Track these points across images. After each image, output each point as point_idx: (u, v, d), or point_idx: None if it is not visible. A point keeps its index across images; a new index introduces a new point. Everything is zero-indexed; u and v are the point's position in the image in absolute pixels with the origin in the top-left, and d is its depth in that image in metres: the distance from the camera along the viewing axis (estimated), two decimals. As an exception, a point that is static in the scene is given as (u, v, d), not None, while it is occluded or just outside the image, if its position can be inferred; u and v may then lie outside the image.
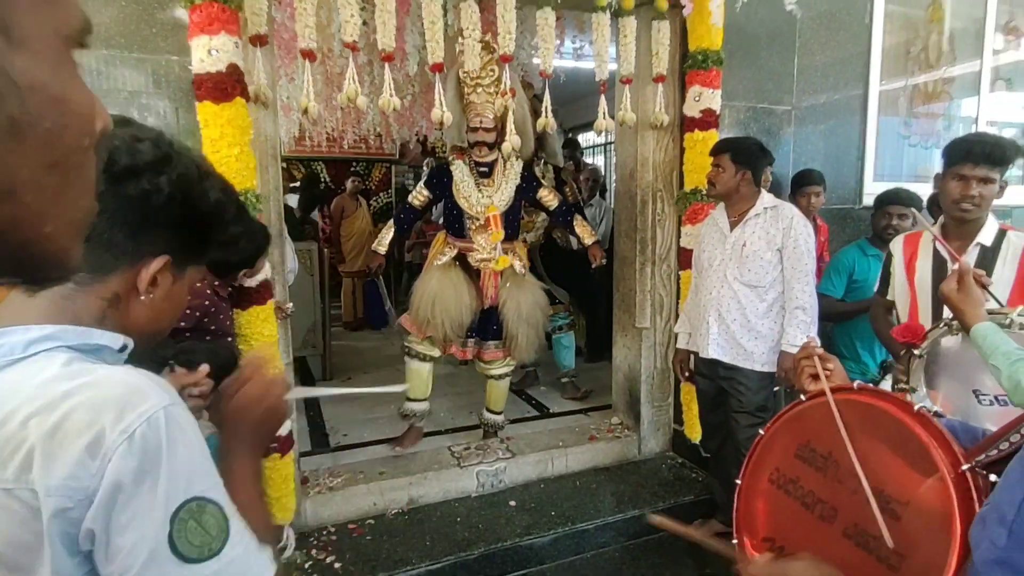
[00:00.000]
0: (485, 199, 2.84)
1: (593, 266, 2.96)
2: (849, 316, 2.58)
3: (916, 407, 0.86)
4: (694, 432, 2.87)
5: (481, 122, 2.74)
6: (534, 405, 3.87)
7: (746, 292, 2.30)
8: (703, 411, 2.58)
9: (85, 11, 0.34)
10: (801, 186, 2.97)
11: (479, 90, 2.72)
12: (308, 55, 2.13)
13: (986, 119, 3.90)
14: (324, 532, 2.46)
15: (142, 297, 0.65)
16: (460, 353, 3.00)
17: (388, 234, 3.04)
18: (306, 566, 2.26)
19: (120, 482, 0.52)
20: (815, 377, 1.02)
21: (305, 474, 2.64)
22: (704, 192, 2.75)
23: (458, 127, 2.89)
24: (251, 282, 2.04)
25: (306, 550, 2.34)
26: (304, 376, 4.24)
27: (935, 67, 3.68)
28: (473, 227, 2.86)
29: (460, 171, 2.88)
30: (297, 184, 6.70)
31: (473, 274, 2.89)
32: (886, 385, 2.29)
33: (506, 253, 2.87)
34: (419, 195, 3.02)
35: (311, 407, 3.73)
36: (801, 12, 2.93)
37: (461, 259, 2.90)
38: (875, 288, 2.14)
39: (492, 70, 2.70)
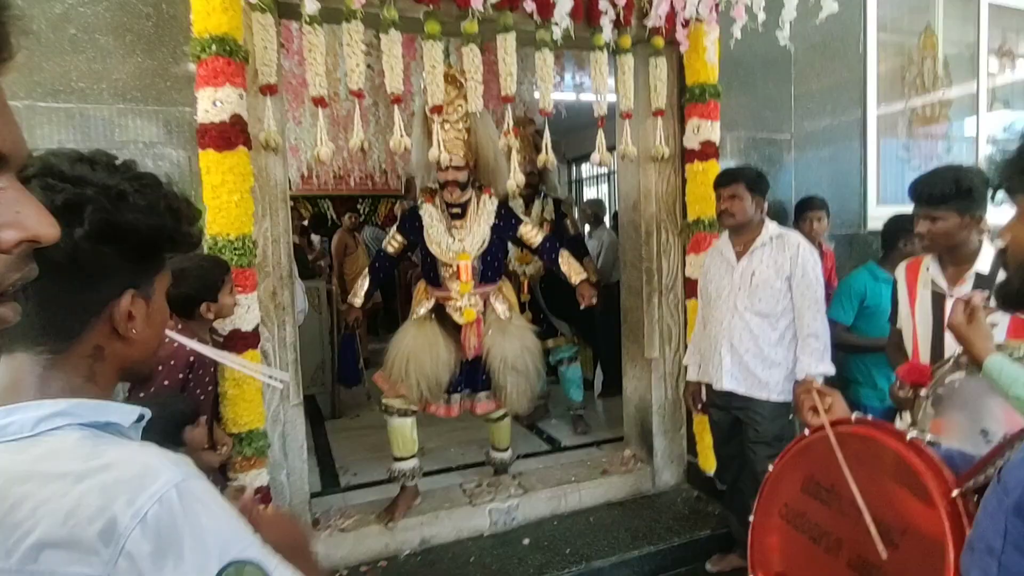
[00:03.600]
0: (456, 244, 2.65)
1: (582, 306, 2.78)
2: (861, 351, 2.56)
3: (908, 436, 0.90)
4: (708, 463, 2.83)
5: (451, 160, 2.54)
6: (545, 439, 3.83)
7: (758, 322, 2.30)
8: (717, 443, 2.55)
9: None
10: (804, 211, 2.99)
11: (447, 126, 2.52)
12: (320, 102, 2.19)
13: (987, 137, 3.94)
14: (336, 574, 2.43)
15: (126, 332, 0.63)
16: (444, 411, 2.77)
17: (364, 284, 2.86)
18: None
19: (139, 569, 0.49)
20: (816, 411, 1.06)
21: (316, 515, 2.61)
22: (707, 222, 2.78)
23: (426, 167, 2.73)
24: (224, 325, 2.03)
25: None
26: (313, 414, 4.22)
27: (931, 91, 3.73)
28: (447, 275, 2.68)
29: (429, 215, 2.70)
30: (305, 223, 6.80)
31: (451, 325, 2.71)
32: (901, 422, 2.26)
33: (484, 300, 2.69)
34: (393, 241, 2.86)
35: (321, 447, 3.71)
36: (795, 44, 3.00)
37: (440, 309, 2.73)
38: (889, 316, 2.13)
39: (460, 106, 2.53)
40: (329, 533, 2.53)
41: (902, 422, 2.25)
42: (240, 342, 2.07)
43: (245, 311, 2.06)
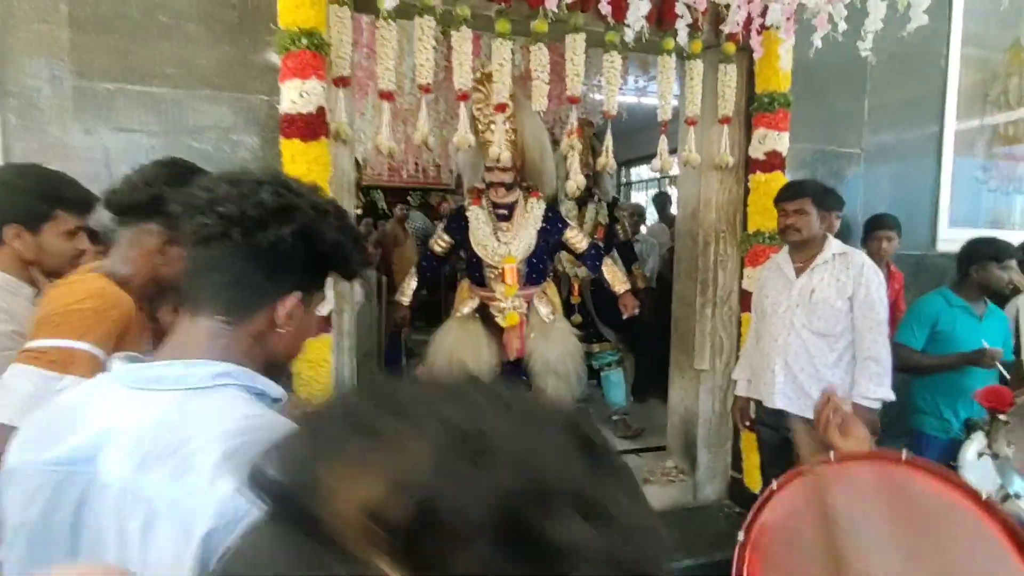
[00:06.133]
0: (502, 247, 2.64)
1: (624, 316, 2.76)
2: (929, 371, 2.46)
3: (984, 495, 0.75)
4: (754, 482, 2.77)
5: (496, 161, 2.53)
6: (584, 442, 3.81)
7: (815, 341, 2.23)
8: (765, 462, 2.49)
9: None
10: (873, 230, 2.88)
11: (493, 127, 2.51)
12: (387, 96, 2.23)
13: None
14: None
15: (280, 330, 0.73)
16: None
17: (411, 283, 2.87)
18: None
19: None
20: (847, 433, 0.94)
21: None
22: (768, 234, 2.71)
23: (474, 166, 2.74)
24: (322, 311, 2.11)
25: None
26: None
27: (1016, 109, 3.54)
28: (492, 276, 2.68)
29: (476, 217, 2.70)
30: (359, 212, 6.94)
31: (494, 326, 2.70)
32: (972, 447, 2.16)
33: (527, 302, 2.67)
34: (440, 241, 2.87)
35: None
36: (873, 55, 2.89)
37: (483, 309, 2.73)
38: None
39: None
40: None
41: (971, 445, 2.15)
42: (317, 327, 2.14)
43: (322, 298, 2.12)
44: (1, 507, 0.66)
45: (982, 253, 2.43)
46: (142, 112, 2.10)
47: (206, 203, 0.68)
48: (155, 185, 1.12)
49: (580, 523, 0.24)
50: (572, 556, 0.23)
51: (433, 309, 6.44)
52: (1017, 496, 1.26)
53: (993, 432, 1.53)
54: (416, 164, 6.27)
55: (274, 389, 0.73)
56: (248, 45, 2.17)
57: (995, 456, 1.53)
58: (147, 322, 1.19)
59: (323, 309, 2.13)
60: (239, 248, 0.68)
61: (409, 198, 7.93)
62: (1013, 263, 2.33)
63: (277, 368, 0.77)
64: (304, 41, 1.93)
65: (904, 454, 0.85)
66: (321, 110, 2.01)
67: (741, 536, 0.79)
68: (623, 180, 9.54)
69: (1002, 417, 1.52)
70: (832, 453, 0.88)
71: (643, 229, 5.27)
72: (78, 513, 0.63)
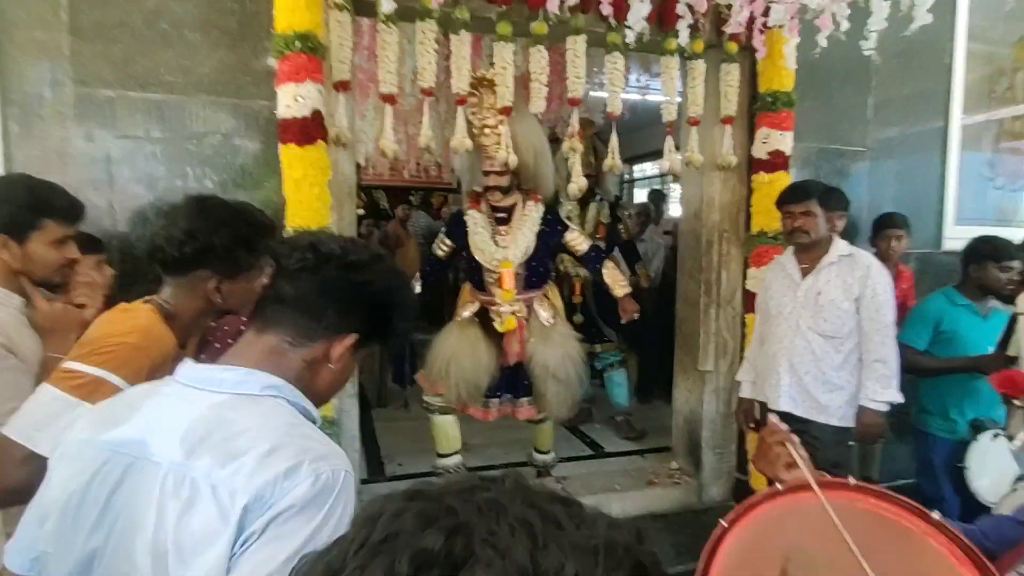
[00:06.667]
0: (500, 251, 2.62)
1: (623, 320, 2.74)
2: (934, 374, 2.44)
3: (934, 515, 0.75)
4: (760, 483, 2.75)
5: (492, 165, 2.54)
6: (588, 443, 3.81)
7: (821, 343, 2.22)
8: (770, 463, 2.48)
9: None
10: (883, 229, 2.86)
11: (486, 131, 2.52)
12: (388, 99, 2.23)
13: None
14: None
15: (331, 365, 0.80)
16: (481, 415, 2.76)
17: (416, 288, 2.88)
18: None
19: (294, 504, 0.64)
20: (791, 465, 0.90)
21: (363, 503, 2.67)
22: (771, 234, 2.69)
23: (471, 170, 2.73)
24: None
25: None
26: (361, 401, 4.31)
27: (1023, 103, 3.50)
28: (491, 280, 2.66)
29: (474, 221, 2.69)
30: (362, 212, 6.93)
31: (495, 330, 2.68)
32: (980, 446, 2.14)
33: (528, 306, 2.67)
34: (441, 245, 2.86)
35: (367, 436, 3.79)
36: (877, 52, 2.87)
37: (484, 313, 2.72)
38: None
39: (497, 110, 2.47)
40: (374, 522, 2.58)
41: (976, 449, 2.14)
42: None
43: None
44: (50, 484, 0.73)
45: (980, 252, 2.41)
46: (143, 118, 2.09)
47: (309, 244, 0.79)
48: (198, 237, 1.12)
49: None
50: None
51: (436, 312, 6.44)
52: None
53: (1010, 417, 1.53)
54: (418, 164, 6.27)
55: (315, 412, 0.80)
56: (248, 51, 2.17)
57: (1011, 439, 1.52)
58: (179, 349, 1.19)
59: None
60: (326, 282, 0.78)
61: (411, 198, 7.92)
62: (1015, 264, 2.29)
63: (314, 402, 0.83)
64: (299, 44, 1.93)
65: (851, 480, 0.83)
66: (318, 114, 2.00)
67: None
68: (626, 178, 9.50)
69: (1017, 403, 1.52)
70: (779, 485, 0.85)
71: (649, 229, 5.24)
72: (115, 491, 0.69)
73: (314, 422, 0.79)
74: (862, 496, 0.81)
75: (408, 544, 0.28)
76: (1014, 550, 0.80)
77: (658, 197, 6.43)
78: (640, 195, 9.07)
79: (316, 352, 0.79)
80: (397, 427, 3.95)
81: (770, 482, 0.92)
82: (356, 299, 0.80)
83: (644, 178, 9.34)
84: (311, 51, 2.00)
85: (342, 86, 2.17)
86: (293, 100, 2.01)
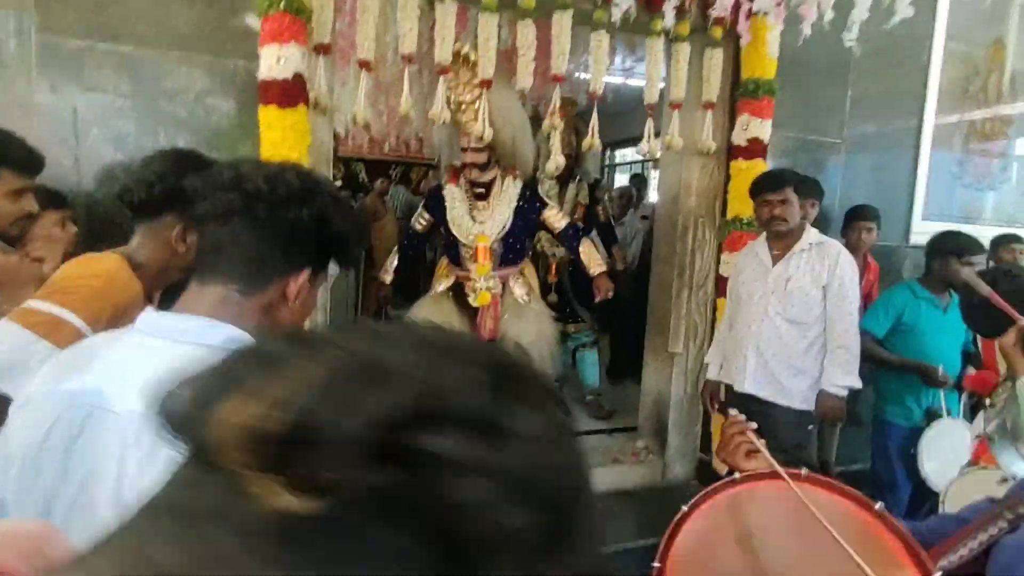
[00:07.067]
0: (477, 226, 2.63)
1: (597, 299, 2.76)
2: (885, 364, 2.52)
3: (877, 506, 0.80)
4: (721, 463, 2.83)
5: (469, 142, 2.54)
6: (558, 421, 3.85)
7: (788, 328, 2.27)
8: (733, 443, 2.54)
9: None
10: (854, 220, 2.92)
11: (463, 107, 2.51)
12: (365, 65, 2.18)
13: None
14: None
15: (289, 305, 0.78)
16: None
17: (393, 261, 2.88)
18: None
19: None
20: (750, 454, 0.94)
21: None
22: (745, 220, 2.73)
23: (450, 145, 2.73)
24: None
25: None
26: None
27: (994, 105, 3.59)
28: (467, 255, 2.68)
29: (451, 196, 2.69)
30: (339, 184, 6.82)
31: (469, 305, 2.68)
32: (932, 434, 2.24)
33: (503, 282, 2.67)
34: (420, 219, 2.86)
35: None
36: (858, 46, 2.90)
37: (459, 288, 2.72)
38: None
39: (475, 85, 2.47)
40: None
41: (928, 437, 2.24)
42: None
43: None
44: (8, 434, 0.70)
45: (943, 248, 2.49)
46: (112, 72, 2.02)
47: (231, 181, 0.73)
48: (167, 180, 1.11)
49: (465, 438, 0.23)
50: (451, 468, 0.22)
51: (412, 287, 6.42)
52: (1014, 478, 1.32)
53: (987, 415, 1.61)
54: (398, 138, 6.18)
55: None
56: (226, 7, 2.10)
57: (991, 439, 1.59)
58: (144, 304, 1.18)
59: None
60: (260, 223, 0.73)
61: (391, 172, 7.82)
62: (977, 259, 2.36)
63: None
64: (283, 4, 1.87)
65: (804, 471, 0.87)
66: (299, 76, 1.96)
67: (656, 564, 0.79)
68: (607, 162, 9.52)
69: (987, 401, 1.60)
70: (736, 474, 0.90)
71: (630, 212, 5.27)
72: (74, 441, 0.67)
73: None
74: (812, 486, 0.85)
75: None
76: (948, 540, 0.85)
77: (640, 182, 6.46)
78: (621, 180, 9.10)
79: (271, 296, 0.77)
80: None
81: (730, 471, 0.96)
82: (297, 235, 0.75)
83: (626, 163, 9.36)
84: (296, 12, 1.95)
85: (323, 49, 2.12)
86: (276, 61, 1.95)
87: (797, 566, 0.79)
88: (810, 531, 0.78)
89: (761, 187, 2.32)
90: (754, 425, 1.00)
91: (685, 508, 0.86)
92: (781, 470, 0.88)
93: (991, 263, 2.60)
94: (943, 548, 0.84)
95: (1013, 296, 1.48)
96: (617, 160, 9.46)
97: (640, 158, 8.33)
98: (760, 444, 0.95)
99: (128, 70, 2.04)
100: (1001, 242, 2.79)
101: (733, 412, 1.07)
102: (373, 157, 7.79)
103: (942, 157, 3.48)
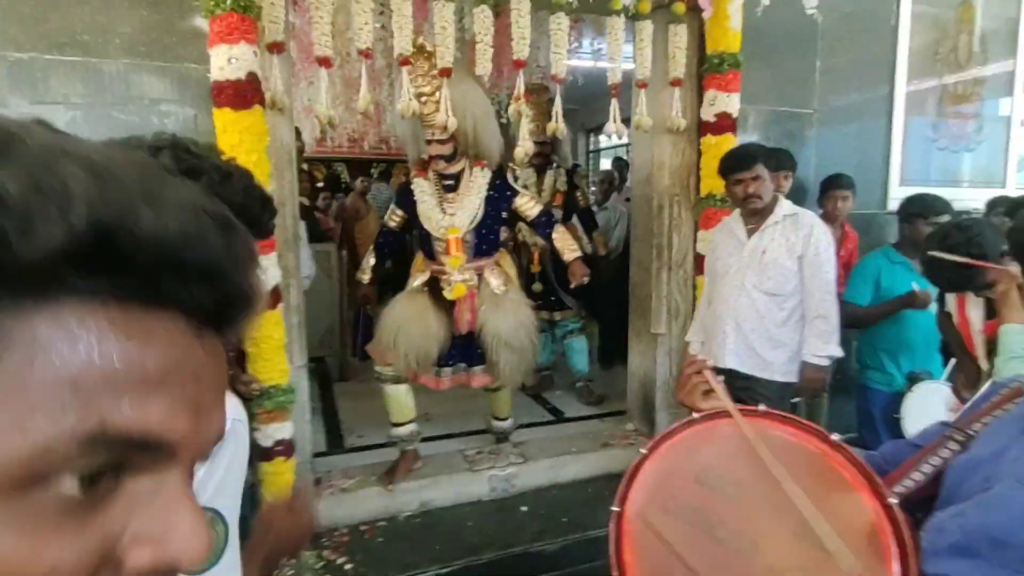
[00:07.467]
0: (447, 219, 2.61)
1: (572, 284, 2.73)
2: (875, 320, 2.52)
3: (833, 436, 0.81)
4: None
5: (433, 133, 2.50)
6: (549, 409, 3.85)
7: (765, 301, 2.27)
8: (718, 420, 2.54)
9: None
10: (829, 190, 2.92)
11: (424, 99, 2.46)
12: (324, 62, 2.16)
13: (1021, 119, 3.79)
14: (336, 533, 2.48)
15: None
16: (433, 383, 2.75)
17: (370, 260, 2.87)
18: (318, 567, 2.29)
19: None
20: (708, 394, 0.94)
21: (319, 475, 2.67)
22: (719, 196, 2.71)
23: (414, 139, 2.70)
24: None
25: (318, 551, 2.36)
26: (322, 377, 4.28)
27: (965, 68, 3.58)
28: (440, 248, 2.65)
29: (421, 189, 2.67)
30: (320, 184, 6.78)
31: (446, 298, 2.66)
32: (914, 397, 2.24)
33: (479, 274, 2.66)
34: (393, 216, 2.83)
35: (328, 409, 3.77)
36: (823, 15, 2.88)
37: (435, 282, 2.70)
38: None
39: (433, 77, 2.44)
40: (331, 492, 2.58)
41: (911, 400, 2.26)
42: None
43: (264, 273, 2.07)
44: None
45: (910, 210, 2.50)
46: (61, 83, 1.99)
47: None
48: None
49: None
50: None
51: (400, 284, 6.38)
52: None
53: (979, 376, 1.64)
54: (378, 136, 6.14)
55: None
56: (172, 10, 2.06)
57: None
58: None
59: (265, 284, 2.10)
60: None
61: (372, 170, 7.78)
62: (943, 219, 2.35)
63: None
64: (229, 3, 1.84)
65: (761, 407, 0.88)
66: (252, 76, 1.93)
67: (616, 507, 0.79)
68: (590, 147, 9.48)
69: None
70: (695, 414, 0.89)
71: (613, 197, 5.24)
72: None
73: None
74: (770, 421, 0.86)
75: None
76: (902, 466, 0.85)
77: (622, 165, 6.42)
78: (605, 164, 9.08)
79: None
80: (358, 400, 3.93)
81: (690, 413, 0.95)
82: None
83: (610, 147, 9.33)
84: (243, 10, 1.91)
85: (276, 47, 2.09)
86: (226, 62, 1.92)
87: (754, 500, 0.79)
88: (767, 467, 0.79)
89: (731, 166, 2.30)
90: (711, 363, 1.00)
91: (644, 451, 0.85)
92: (733, 407, 0.88)
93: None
94: (898, 474, 0.84)
95: (969, 247, 1.48)
96: (603, 145, 9.43)
97: (624, 142, 8.30)
98: (716, 382, 0.95)
99: (77, 79, 2.01)
100: (995, 205, 2.83)
101: (692, 352, 1.06)
102: (353, 156, 7.76)
103: (917, 122, 3.47)
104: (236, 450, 0.67)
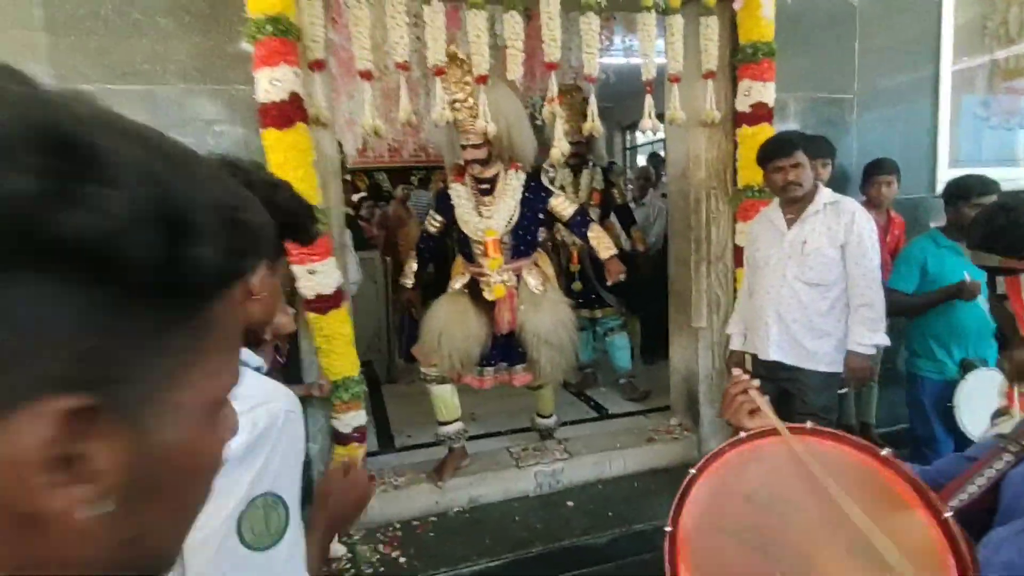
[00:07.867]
0: (484, 221, 2.67)
1: (609, 282, 2.76)
2: (922, 309, 2.45)
3: (883, 451, 0.81)
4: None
5: (468, 139, 2.56)
6: (593, 406, 3.87)
7: (807, 291, 2.24)
8: (763, 412, 2.52)
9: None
10: (872, 175, 2.85)
11: (457, 105, 2.52)
12: (366, 75, 2.25)
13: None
14: (390, 528, 2.58)
15: (255, 297, 0.81)
16: (476, 383, 2.82)
17: (412, 265, 2.95)
18: (373, 560, 2.38)
19: (229, 458, 0.64)
20: (753, 413, 0.94)
21: (372, 472, 2.77)
22: (757, 188, 2.69)
23: (449, 145, 2.76)
24: (307, 291, 2.20)
25: (373, 544, 2.46)
26: (370, 380, 4.40)
27: (1018, 41, 3.42)
28: (479, 251, 2.71)
29: (457, 194, 2.73)
30: (364, 195, 6.96)
31: (486, 300, 2.72)
32: (967, 385, 2.17)
33: (517, 274, 2.71)
34: (433, 221, 2.90)
35: (377, 410, 3.89)
36: (860, -3, 2.82)
37: (475, 283, 2.76)
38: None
39: (466, 83, 2.49)
40: (384, 490, 2.68)
41: (964, 388, 2.18)
42: (324, 304, 2.24)
43: (324, 276, 2.23)
44: None
45: (952, 193, 2.42)
46: (124, 110, 2.11)
47: None
48: None
49: (125, 141, 0.26)
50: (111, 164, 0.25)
51: (443, 285, 6.49)
52: None
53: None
54: (415, 144, 6.28)
55: (253, 358, 0.81)
56: (222, 36, 2.19)
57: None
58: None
59: (326, 288, 2.20)
60: None
61: (412, 177, 7.94)
62: (987, 200, 2.26)
63: (255, 335, 0.85)
64: (270, 28, 1.95)
65: (808, 424, 0.88)
66: (295, 96, 2.03)
67: (669, 528, 0.80)
68: (627, 144, 9.42)
69: None
70: (742, 433, 0.90)
71: (650, 193, 5.21)
72: None
73: (258, 368, 0.81)
74: (819, 439, 0.86)
75: None
76: (956, 480, 0.84)
77: (657, 160, 6.36)
78: (642, 161, 9.00)
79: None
80: (407, 401, 4.04)
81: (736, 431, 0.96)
82: None
83: (647, 143, 9.24)
84: (283, 34, 2.02)
85: (317, 65, 2.19)
86: (269, 84, 2.04)
87: (806, 517, 0.79)
88: (817, 484, 0.79)
89: (770, 154, 2.28)
90: (756, 383, 1.00)
91: (694, 471, 0.86)
92: (781, 425, 0.89)
93: None
94: (952, 488, 0.84)
95: (1013, 230, 1.42)
96: (639, 141, 9.34)
97: (660, 137, 8.21)
98: (762, 401, 0.95)
99: (138, 106, 2.15)
100: None
101: (736, 372, 1.07)
102: (395, 165, 7.93)
103: (966, 100, 3.34)
104: (292, 439, 0.71)
